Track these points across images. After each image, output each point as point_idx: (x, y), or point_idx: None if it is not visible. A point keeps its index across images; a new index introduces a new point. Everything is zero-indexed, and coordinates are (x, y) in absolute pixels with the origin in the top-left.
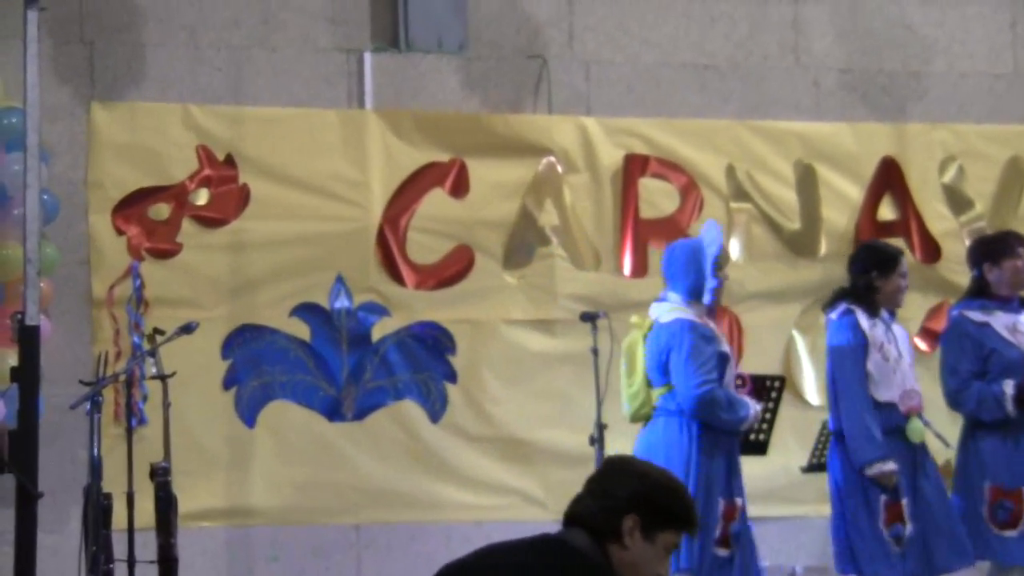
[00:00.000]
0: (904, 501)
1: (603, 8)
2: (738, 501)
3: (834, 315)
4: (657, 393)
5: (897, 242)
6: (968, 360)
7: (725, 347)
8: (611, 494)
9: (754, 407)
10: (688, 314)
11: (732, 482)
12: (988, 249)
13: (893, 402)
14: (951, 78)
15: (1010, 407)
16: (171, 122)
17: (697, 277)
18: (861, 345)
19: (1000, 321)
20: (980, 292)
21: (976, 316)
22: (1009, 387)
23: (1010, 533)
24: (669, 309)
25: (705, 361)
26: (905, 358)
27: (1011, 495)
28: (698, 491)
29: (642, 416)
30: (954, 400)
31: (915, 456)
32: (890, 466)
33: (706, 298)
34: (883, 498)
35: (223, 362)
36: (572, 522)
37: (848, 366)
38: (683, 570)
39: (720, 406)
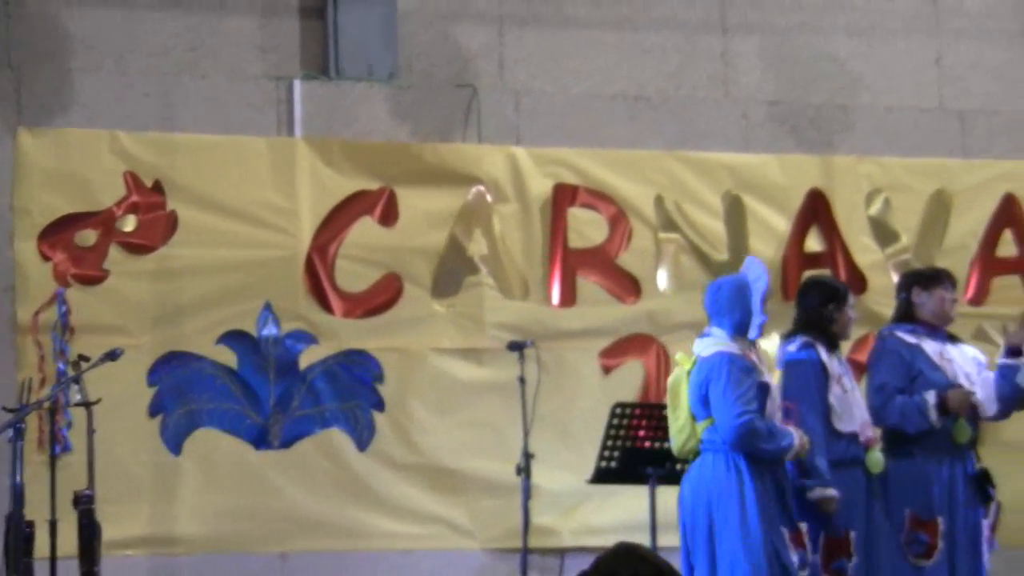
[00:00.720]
0: (853, 534)
1: (534, 39)
2: (801, 526)
3: (792, 347)
4: (701, 427)
5: (823, 273)
6: (897, 378)
7: (766, 378)
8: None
9: (798, 436)
10: (730, 348)
11: (787, 510)
12: (921, 276)
13: (855, 432)
14: (877, 112)
15: (934, 416)
16: (98, 148)
17: (744, 313)
18: (822, 377)
19: (929, 346)
20: (907, 316)
21: (908, 337)
22: (931, 396)
23: (925, 563)
24: (712, 343)
25: (744, 392)
26: (855, 389)
27: (926, 527)
28: (760, 523)
29: (688, 451)
30: (877, 415)
31: (872, 488)
32: (831, 492)
33: (753, 333)
34: (823, 535)
35: (149, 389)
36: None
37: (807, 397)
38: None
39: (760, 437)
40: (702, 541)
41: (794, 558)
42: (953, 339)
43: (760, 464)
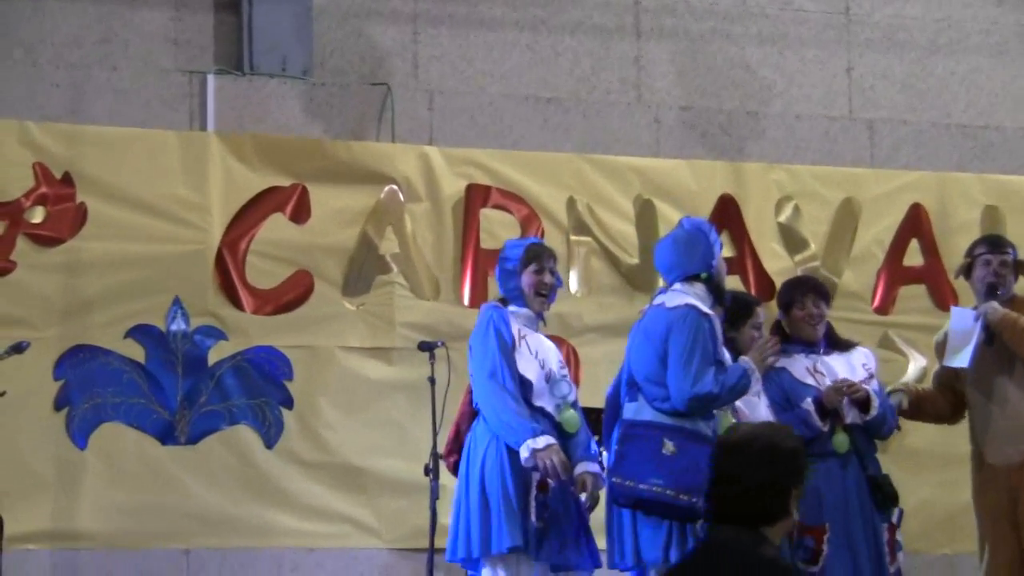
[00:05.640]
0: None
1: (448, 39)
2: None
3: None
4: None
5: (733, 280)
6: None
7: None
8: (777, 481)
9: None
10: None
11: None
12: (781, 297)
13: None
14: (788, 119)
15: (817, 421)
16: (7, 139)
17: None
18: None
19: (799, 364)
20: (783, 337)
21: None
22: (807, 403)
23: (812, 568)
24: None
25: None
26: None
27: (813, 532)
28: None
29: None
30: None
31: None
32: None
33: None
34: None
35: (55, 383)
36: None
37: None
38: None
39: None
40: None
41: None
42: (842, 347)
43: None
